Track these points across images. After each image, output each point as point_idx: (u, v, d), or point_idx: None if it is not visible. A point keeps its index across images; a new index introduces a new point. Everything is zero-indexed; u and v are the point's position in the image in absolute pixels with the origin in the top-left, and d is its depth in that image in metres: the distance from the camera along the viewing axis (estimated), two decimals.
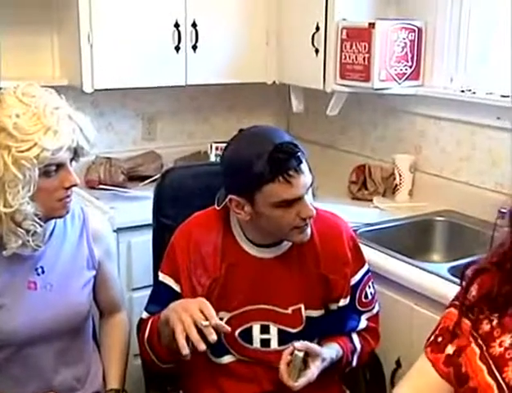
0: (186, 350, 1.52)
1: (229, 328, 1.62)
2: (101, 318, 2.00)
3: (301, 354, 1.67)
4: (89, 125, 1.69)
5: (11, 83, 1.68)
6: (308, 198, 1.69)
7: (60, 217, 1.73)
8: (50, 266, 1.74)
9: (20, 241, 1.64)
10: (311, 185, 1.69)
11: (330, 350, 1.77)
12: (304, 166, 1.66)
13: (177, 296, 1.75)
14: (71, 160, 1.67)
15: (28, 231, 1.64)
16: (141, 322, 1.85)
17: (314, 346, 1.72)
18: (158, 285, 1.85)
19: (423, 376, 1.44)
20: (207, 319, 1.54)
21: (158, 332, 1.71)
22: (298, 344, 1.68)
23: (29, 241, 1.66)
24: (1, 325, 1.68)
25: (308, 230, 1.74)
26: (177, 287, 1.79)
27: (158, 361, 1.77)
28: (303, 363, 1.68)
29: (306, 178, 1.66)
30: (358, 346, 1.86)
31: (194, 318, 1.54)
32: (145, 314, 1.86)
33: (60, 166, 1.63)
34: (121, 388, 1.89)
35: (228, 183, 1.74)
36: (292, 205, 1.66)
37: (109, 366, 1.92)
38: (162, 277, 1.83)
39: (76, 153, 1.67)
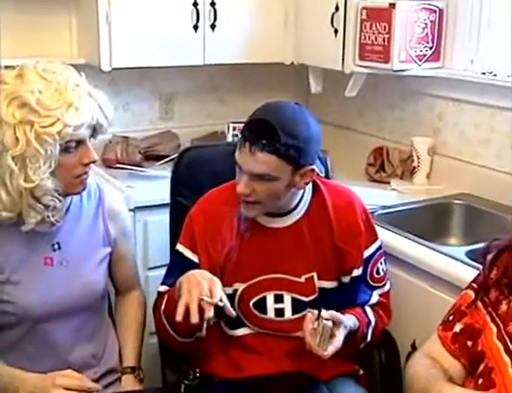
0: (179, 317, 1.56)
1: (234, 313, 1.67)
2: (117, 295, 2.02)
3: (330, 324, 1.68)
4: (107, 103, 1.70)
5: (29, 61, 1.69)
6: (249, 183, 1.71)
7: (77, 193, 1.75)
8: (66, 242, 1.76)
9: (40, 217, 1.66)
10: (259, 176, 1.70)
11: (349, 319, 1.78)
12: (261, 155, 1.66)
13: (193, 267, 1.78)
14: (90, 137, 1.68)
15: (47, 206, 1.66)
16: (159, 296, 1.87)
17: (338, 314, 1.73)
18: (175, 256, 1.88)
19: (436, 348, 1.49)
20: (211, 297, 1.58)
21: (175, 301, 1.72)
22: (325, 313, 1.70)
23: (48, 216, 1.67)
24: (17, 300, 1.70)
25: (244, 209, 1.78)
26: (194, 258, 1.83)
27: (174, 333, 1.78)
28: (331, 333, 1.69)
29: (253, 162, 1.68)
30: (373, 320, 1.88)
31: (200, 293, 1.58)
32: (162, 288, 1.88)
33: (79, 143, 1.64)
34: (137, 366, 1.91)
35: None
36: (240, 173, 1.74)
37: (124, 344, 1.93)
38: (180, 248, 1.86)
39: (95, 130, 1.69)
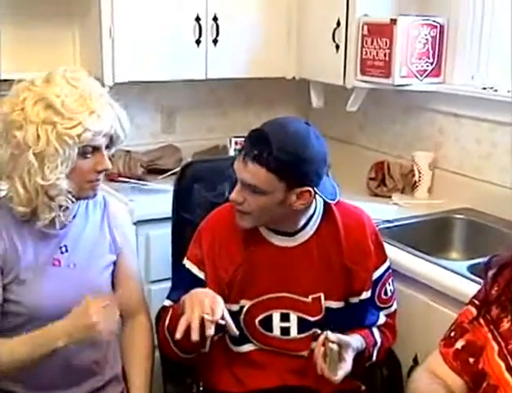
0: (178, 335, 1.58)
1: (236, 332, 1.68)
2: (123, 320, 1.88)
3: (336, 347, 1.68)
4: (126, 116, 1.79)
5: (32, 75, 1.74)
6: (242, 193, 1.73)
7: (87, 198, 1.80)
8: (73, 245, 1.79)
9: (53, 214, 1.71)
10: (251, 187, 1.71)
11: (356, 341, 1.78)
12: (253, 166, 1.68)
13: (199, 283, 1.79)
14: (106, 147, 1.74)
15: (60, 206, 1.71)
16: (163, 310, 1.87)
17: (345, 337, 1.72)
18: (181, 272, 1.88)
19: (438, 364, 1.49)
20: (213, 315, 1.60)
21: (178, 318, 1.72)
22: (332, 336, 1.68)
23: (59, 215, 1.72)
24: (24, 299, 1.72)
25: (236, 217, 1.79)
26: (200, 274, 1.83)
27: (176, 349, 1.77)
28: (339, 358, 1.69)
29: (247, 173, 1.70)
30: (379, 340, 1.87)
31: (202, 311, 1.59)
32: (167, 302, 1.88)
33: (96, 149, 1.71)
34: None
35: None
36: (238, 183, 1.75)
37: (132, 381, 1.87)
38: (187, 264, 1.86)
39: (111, 140, 1.75)
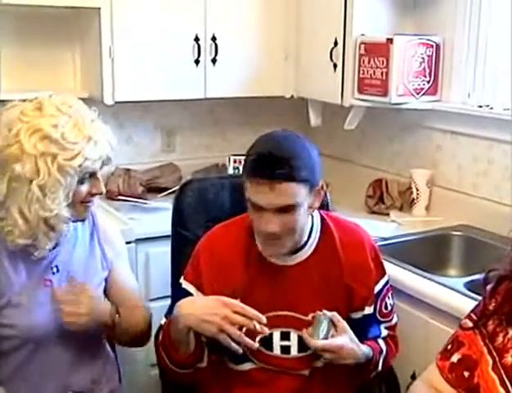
0: (240, 350, 1.64)
1: (240, 350, 1.66)
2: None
3: (321, 316, 1.69)
4: (112, 135, 1.77)
5: (33, 95, 1.75)
6: (277, 217, 1.67)
7: (82, 220, 1.81)
8: (64, 265, 1.79)
9: (53, 243, 1.73)
10: (286, 208, 1.67)
11: (363, 346, 1.78)
12: (282, 185, 1.64)
13: None
14: (100, 169, 1.75)
15: (60, 234, 1.73)
16: (160, 329, 1.87)
17: (341, 321, 1.73)
18: (179, 292, 1.86)
19: (435, 376, 1.52)
20: (248, 317, 1.62)
21: (172, 338, 1.73)
22: (326, 311, 1.72)
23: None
24: (18, 322, 1.72)
25: (269, 248, 1.76)
26: (198, 295, 1.82)
27: (172, 365, 1.78)
28: (327, 330, 1.69)
29: (276, 196, 1.65)
30: (384, 349, 1.88)
31: (239, 323, 1.62)
32: (164, 320, 1.88)
33: (92, 175, 1.72)
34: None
35: None
36: (258, 211, 1.69)
37: None
38: (184, 284, 1.86)
39: (103, 163, 1.75)
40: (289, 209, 1.67)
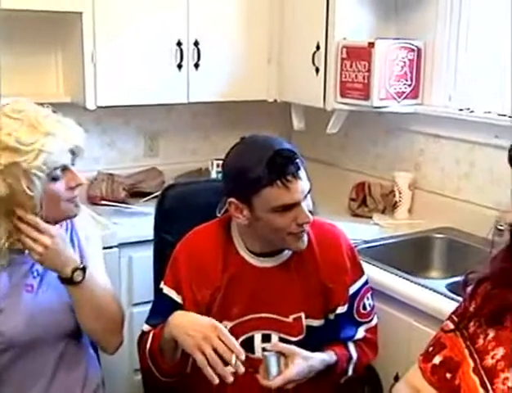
0: (216, 380, 1.56)
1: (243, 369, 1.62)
2: None
3: (268, 354, 1.71)
4: (76, 126, 1.73)
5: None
6: (305, 205, 1.72)
7: (73, 216, 1.79)
8: (44, 269, 1.76)
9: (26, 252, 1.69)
10: (308, 192, 1.73)
11: (319, 353, 1.79)
12: (302, 173, 1.70)
13: (178, 308, 1.78)
14: (72, 162, 1.72)
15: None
16: (142, 335, 1.86)
17: (287, 346, 1.75)
18: (159, 297, 1.87)
19: (417, 378, 1.52)
20: (229, 349, 1.57)
21: (159, 347, 1.73)
22: (269, 346, 1.74)
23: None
24: (2, 328, 1.70)
25: (305, 237, 1.78)
26: (178, 299, 1.82)
27: (158, 374, 1.78)
28: (278, 365, 1.71)
29: (303, 183, 1.70)
30: (354, 355, 1.87)
31: (217, 349, 1.57)
32: (146, 327, 1.87)
33: (64, 169, 1.69)
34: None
35: (228, 187, 1.78)
36: (289, 210, 1.70)
37: None
38: (164, 289, 1.85)
39: (74, 154, 1.71)
40: (308, 193, 1.73)
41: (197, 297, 1.80)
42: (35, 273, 1.77)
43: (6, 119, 1.64)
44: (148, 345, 1.79)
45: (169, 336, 1.66)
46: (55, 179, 1.68)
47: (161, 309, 1.83)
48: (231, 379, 1.57)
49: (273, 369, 1.70)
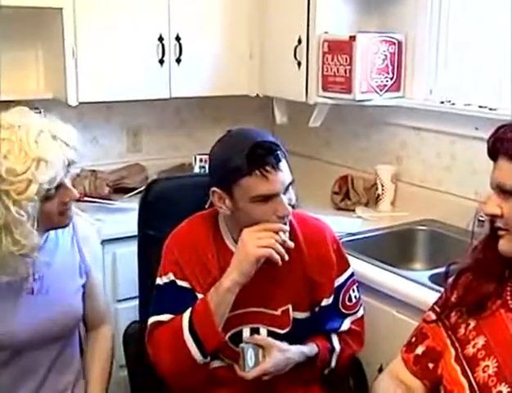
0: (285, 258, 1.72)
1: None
2: (87, 332, 1.98)
3: (245, 345, 1.76)
4: (72, 134, 1.70)
5: None
6: (286, 198, 1.73)
7: (63, 227, 1.78)
8: (45, 272, 1.77)
9: (26, 267, 1.68)
10: (289, 184, 1.74)
11: (297, 345, 1.81)
12: (283, 165, 1.72)
13: (187, 292, 1.79)
14: (66, 175, 1.68)
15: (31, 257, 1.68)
16: (157, 326, 1.81)
17: (264, 338, 1.79)
18: (164, 289, 1.83)
19: (400, 368, 1.55)
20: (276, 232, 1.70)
21: (207, 315, 1.71)
22: (246, 338, 1.78)
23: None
24: (0, 328, 1.70)
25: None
26: (185, 284, 1.81)
27: (200, 352, 1.72)
28: (255, 357, 1.75)
29: (284, 175, 1.71)
30: (337, 347, 1.89)
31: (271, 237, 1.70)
32: (156, 318, 1.82)
33: (58, 187, 1.66)
34: None
35: (211, 176, 1.81)
36: (268, 201, 1.71)
37: (90, 379, 1.90)
38: (166, 279, 1.82)
39: (68, 166, 1.69)
40: (290, 185, 1.74)
41: (200, 282, 1.80)
42: (36, 276, 1.76)
43: None
44: (187, 324, 1.73)
45: (228, 284, 1.70)
46: (49, 199, 1.65)
47: (169, 298, 1.81)
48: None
49: (249, 361, 1.74)
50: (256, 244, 1.69)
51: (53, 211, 1.68)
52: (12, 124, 1.60)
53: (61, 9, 2.70)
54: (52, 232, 1.80)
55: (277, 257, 1.70)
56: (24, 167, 1.56)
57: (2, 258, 1.63)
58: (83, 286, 1.87)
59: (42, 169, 1.57)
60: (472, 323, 1.40)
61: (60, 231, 1.83)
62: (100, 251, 2.00)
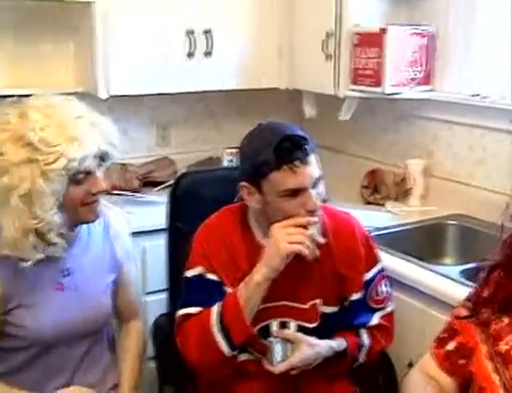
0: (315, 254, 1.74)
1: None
2: (119, 325, 2.00)
3: (273, 340, 1.76)
4: (112, 129, 1.73)
5: (26, 91, 1.74)
6: (314, 192, 1.72)
7: (88, 222, 1.77)
8: (76, 268, 1.78)
9: (42, 255, 1.67)
10: (318, 178, 1.73)
11: (326, 340, 1.80)
12: (311, 159, 1.71)
13: (217, 285, 1.79)
14: (99, 167, 1.69)
15: (50, 244, 1.67)
16: (186, 318, 1.81)
17: (293, 333, 1.79)
18: (192, 282, 1.83)
19: (430, 364, 1.54)
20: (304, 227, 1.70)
21: (238, 308, 1.71)
22: (274, 333, 1.78)
23: (51, 251, 1.69)
24: (29, 324, 1.71)
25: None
26: (214, 277, 1.81)
27: (229, 345, 1.72)
28: (283, 351, 1.75)
29: (312, 169, 1.70)
30: (366, 342, 1.88)
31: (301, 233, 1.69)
32: (185, 310, 1.82)
33: (88, 173, 1.66)
34: None
35: (240, 170, 1.80)
36: (297, 195, 1.70)
37: (122, 373, 1.92)
38: (195, 271, 1.82)
39: (102, 159, 1.70)
40: (318, 180, 1.73)
41: (229, 276, 1.80)
42: (66, 272, 1.77)
43: (37, 114, 1.62)
44: (214, 320, 1.73)
45: (259, 279, 1.70)
46: (76, 183, 1.65)
47: (198, 291, 1.81)
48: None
49: (278, 355, 1.74)
50: (287, 240, 1.68)
51: (78, 198, 1.67)
52: (53, 105, 1.65)
53: (92, 3, 2.71)
54: (85, 227, 1.81)
55: (307, 252, 1.70)
56: (58, 140, 1.59)
57: (19, 236, 1.62)
58: (114, 281, 1.88)
59: (75, 146, 1.60)
60: (505, 320, 1.38)
61: (92, 228, 1.83)
62: (131, 244, 2.00)
